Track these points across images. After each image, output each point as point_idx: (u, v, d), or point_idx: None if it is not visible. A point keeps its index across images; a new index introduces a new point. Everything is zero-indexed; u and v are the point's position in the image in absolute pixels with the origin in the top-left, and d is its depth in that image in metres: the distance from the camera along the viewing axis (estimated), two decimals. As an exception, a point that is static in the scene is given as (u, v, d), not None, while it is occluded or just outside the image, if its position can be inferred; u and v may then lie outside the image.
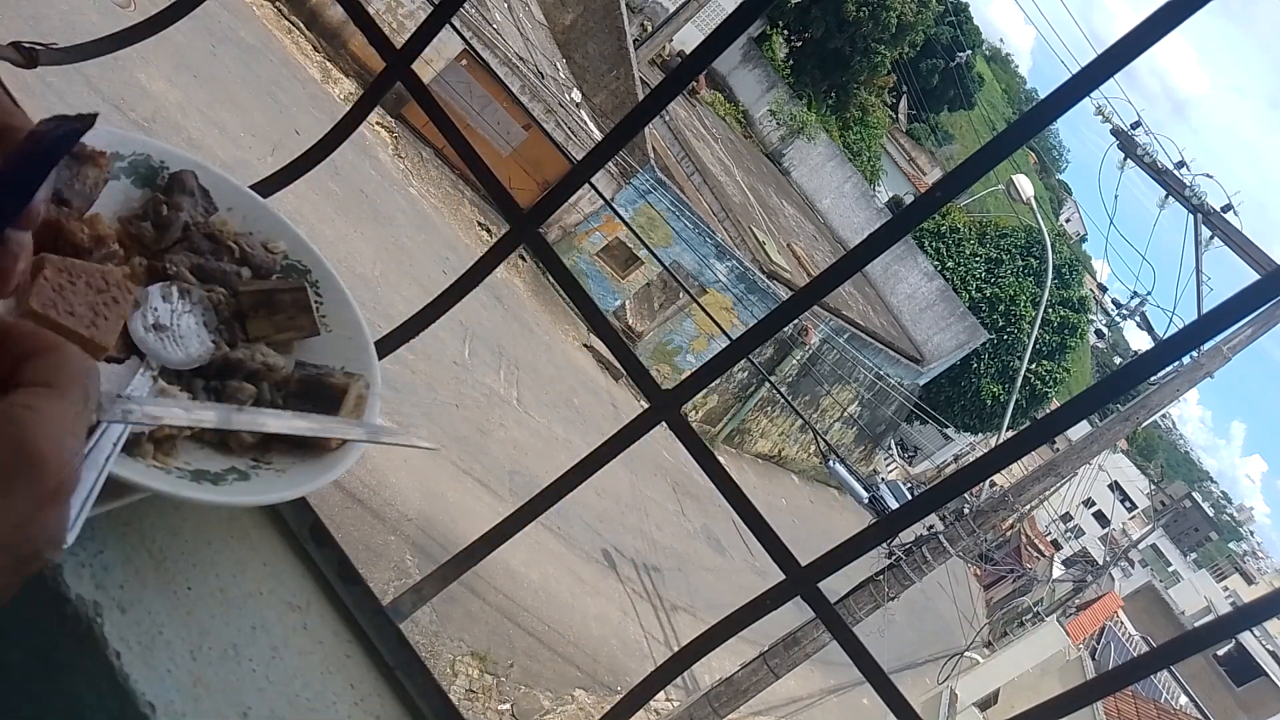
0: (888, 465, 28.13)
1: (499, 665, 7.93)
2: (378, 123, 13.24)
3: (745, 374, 17.96)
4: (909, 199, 33.11)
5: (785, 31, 30.05)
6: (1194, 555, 51.03)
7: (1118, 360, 67.01)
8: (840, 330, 19.39)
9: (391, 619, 0.77)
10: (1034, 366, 27.59)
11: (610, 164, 10.16)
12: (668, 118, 17.24)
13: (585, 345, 15.43)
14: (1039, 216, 13.05)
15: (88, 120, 0.45)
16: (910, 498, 9.44)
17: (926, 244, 27.91)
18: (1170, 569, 46.94)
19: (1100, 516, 42.51)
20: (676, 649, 0.83)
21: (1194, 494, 49.17)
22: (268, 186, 0.89)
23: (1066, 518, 40.43)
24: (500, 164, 13.89)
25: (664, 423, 0.85)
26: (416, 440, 0.63)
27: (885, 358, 22.00)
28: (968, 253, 28.35)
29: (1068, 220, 66.99)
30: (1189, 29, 0.65)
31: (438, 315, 0.91)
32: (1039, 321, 11.77)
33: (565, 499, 0.86)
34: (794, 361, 18.80)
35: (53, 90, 7.05)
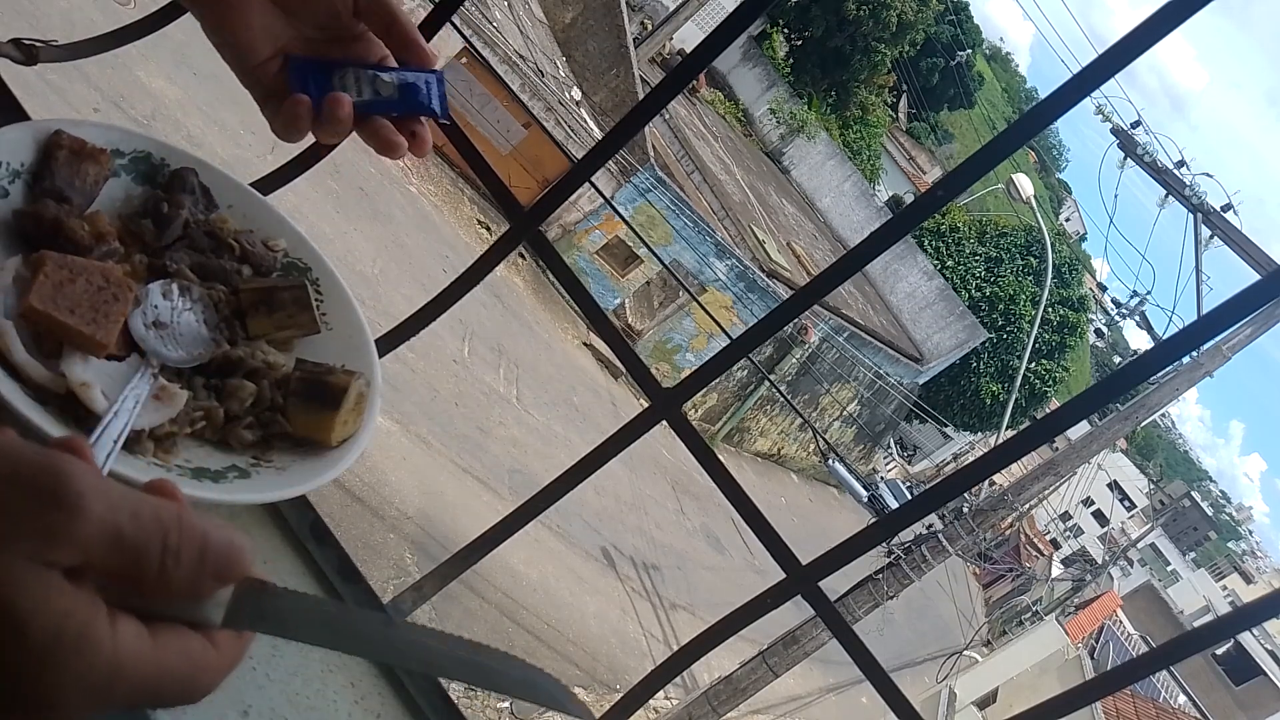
0: (887, 464, 28.15)
1: (498, 663, 7.93)
2: (377, 120, 13.21)
3: (745, 372, 17.96)
4: (909, 198, 33.12)
5: (785, 30, 30.04)
6: (1193, 554, 51.09)
7: (1117, 360, 67.05)
8: (840, 329, 19.39)
9: (391, 617, 0.77)
10: (1033, 366, 27.59)
11: (610, 162, 10.14)
12: (667, 116, 17.23)
13: (585, 344, 15.44)
14: (1039, 216, 13.05)
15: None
16: (909, 497, 9.43)
17: (926, 243, 27.90)
18: (1169, 568, 46.99)
19: (1099, 515, 42.52)
20: (676, 648, 0.83)
21: (1193, 493, 49.19)
22: (268, 184, 0.89)
23: (1065, 517, 40.46)
24: (500, 162, 13.88)
25: (664, 421, 0.85)
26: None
27: (885, 356, 22.01)
28: (967, 252, 28.35)
29: (1067, 219, 66.99)
30: (1187, 25, 0.65)
31: (438, 313, 0.91)
32: (1038, 321, 11.77)
33: (565, 497, 0.86)
34: (793, 360, 18.81)
35: (52, 88, 7.04)
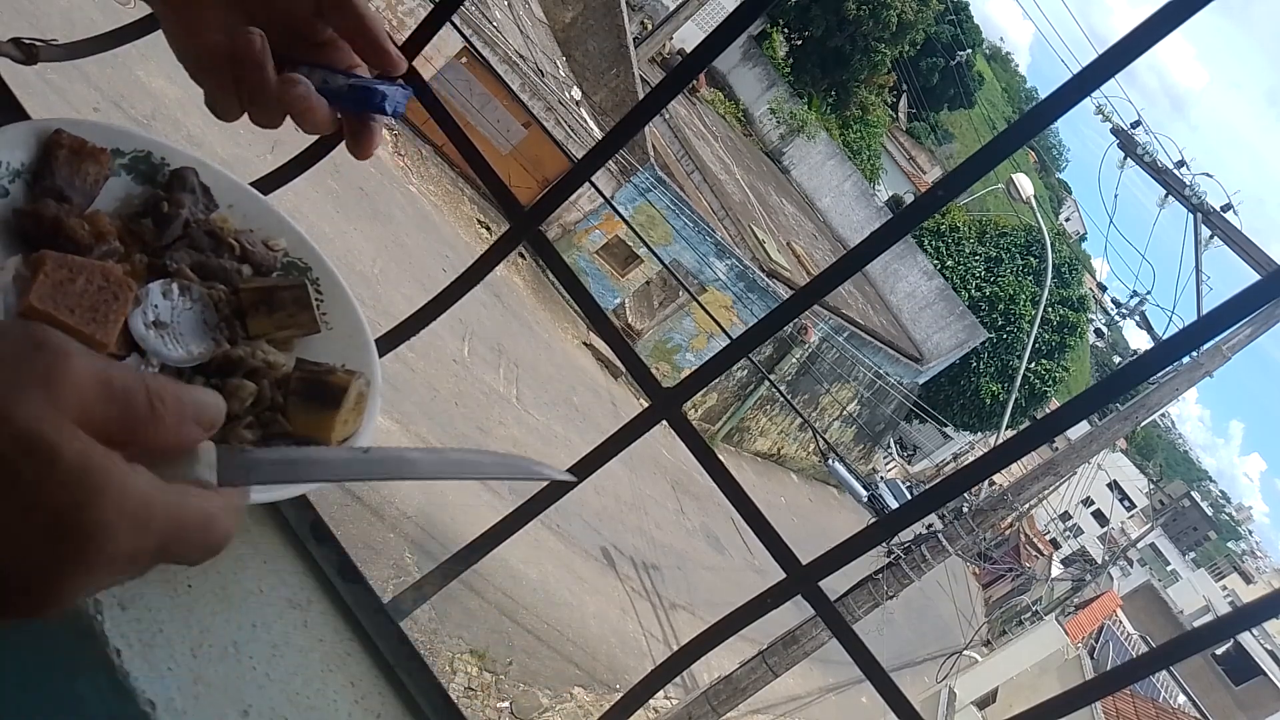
0: (887, 464, 28.15)
1: (498, 663, 7.94)
2: (377, 120, 13.20)
3: (744, 372, 17.97)
4: (909, 198, 33.13)
5: (786, 30, 30.03)
6: (1192, 554, 51.13)
7: (1117, 360, 67.07)
8: (840, 329, 19.40)
9: (391, 617, 0.77)
10: (1033, 365, 27.59)
11: (610, 162, 10.15)
12: (667, 116, 17.23)
13: (585, 343, 15.44)
14: (1039, 215, 13.05)
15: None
16: (909, 497, 9.43)
17: (926, 243, 27.91)
18: (1169, 568, 47.02)
19: (1099, 515, 42.54)
20: (676, 648, 0.83)
21: (1193, 493, 49.23)
22: (268, 183, 0.89)
23: (1065, 517, 40.48)
24: (500, 162, 13.87)
25: (664, 421, 0.85)
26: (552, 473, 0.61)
27: (885, 356, 22.01)
28: (967, 251, 28.35)
29: (1067, 219, 67.00)
30: (1187, 25, 0.65)
31: (438, 313, 0.91)
32: (1038, 320, 11.77)
33: (565, 497, 0.86)
34: (793, 360, 18.81)
35: (52, 87, 7.04)
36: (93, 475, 0.35)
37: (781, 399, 18.50)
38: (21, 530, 0.34)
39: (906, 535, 7.53)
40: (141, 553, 0.37)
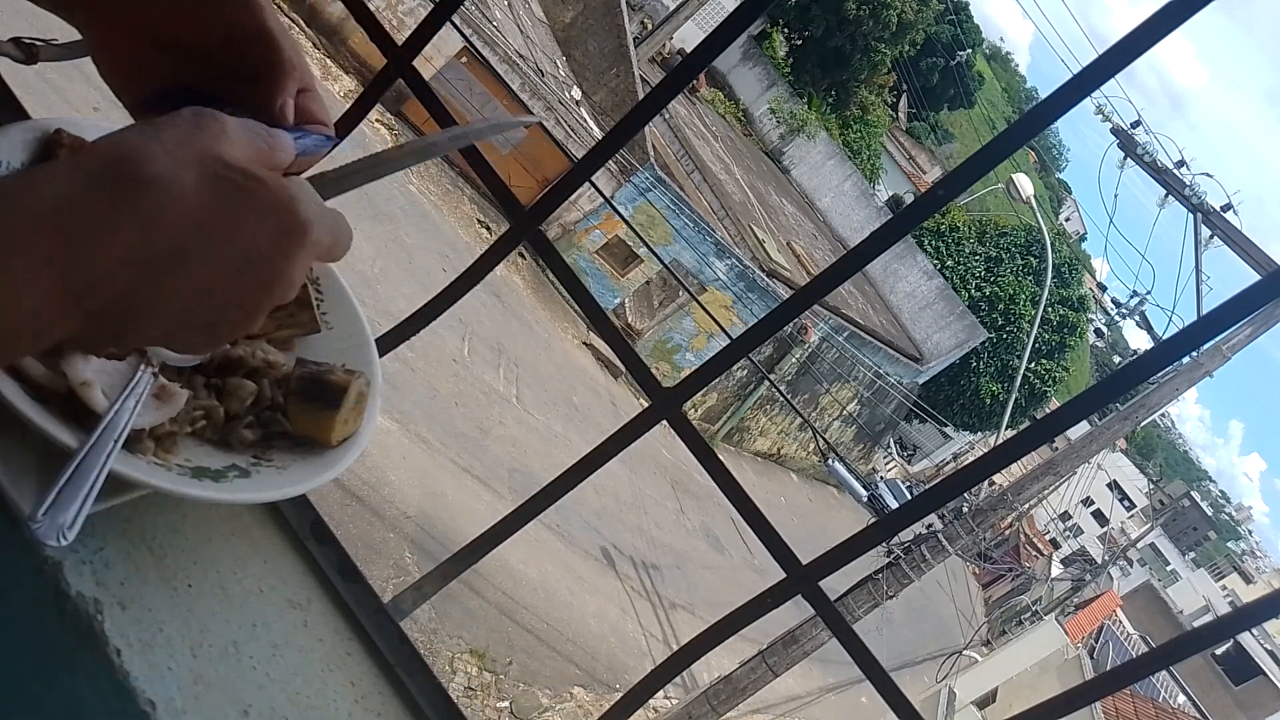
0: (887, 464, 28.15)
1: (498, 663, 7.94)
2: (378, 120, 13.23)
3: (744, 372, 17.97)
4: (909, 198, 33.15)
5: (786, 30, 30.04)
6: (1192, 554, 51.16)
7: (1117, 359, 67.09)
8: (840, 329, 19.40)
9: (392, 616, 0.77)
10: (1033, 365, 27.59)
11: (610, 162, 10.15)
12: (667, 116, 17.23)
13: (585, 343, 15.44)
14: (1039, 215, 13.06)
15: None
16: (909, 497, 9.44)
17: (926, 243, 27.91)
18: (1169, 568, 47.05)
19: (1099, 515, 42.55)
20: (676, 648, 0.83)
21: (1192, 493, 49.26)
22: (268, 184, 0.89)
23: (1065, 516, 40.48)
24: (500, 162, 13.88)
25: (664, 421, 0.85)
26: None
27: (884, 356, 22.01)
28: (967, 251, 28.35)
29: (1067, 219, 67.00)
30: (1187, 24, 0.65)
31: (438, 313, 0.91)
32: (1038, 320, 11.77)
33: (565, 497, 0.86)
34: (793, 360, 18.82)
35: (52, 86, 7.05)
36: (290, 186, 0.47)
37: (781, 399, 18.51)
38: (261, 231, 0.45)
39: (906, 535, 7.53)
40: (322, 244, 0.49)
